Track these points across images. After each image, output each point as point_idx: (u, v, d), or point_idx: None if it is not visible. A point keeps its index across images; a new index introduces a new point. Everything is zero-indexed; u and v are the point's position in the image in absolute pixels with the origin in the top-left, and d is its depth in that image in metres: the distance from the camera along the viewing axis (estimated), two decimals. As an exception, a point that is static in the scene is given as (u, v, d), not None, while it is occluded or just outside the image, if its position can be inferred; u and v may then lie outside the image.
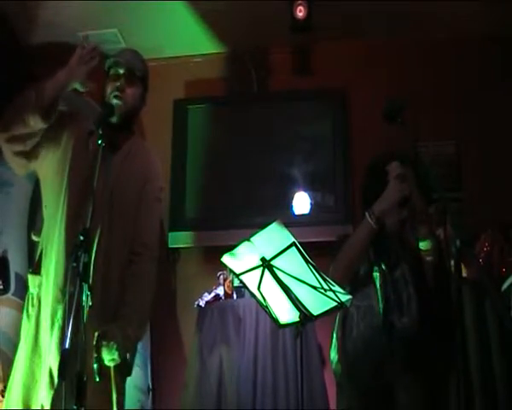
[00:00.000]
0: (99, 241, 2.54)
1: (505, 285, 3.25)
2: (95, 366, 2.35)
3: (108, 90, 2.69)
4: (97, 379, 2.33)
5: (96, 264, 2.51)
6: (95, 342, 2.41)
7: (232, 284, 3.89)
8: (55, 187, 2.60)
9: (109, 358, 2.46)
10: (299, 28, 4.20)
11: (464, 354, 3.00)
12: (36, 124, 2.53)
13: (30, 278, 2.62)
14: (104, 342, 2.45)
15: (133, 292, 2.62)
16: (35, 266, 2.62)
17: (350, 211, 4.22)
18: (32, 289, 2.57)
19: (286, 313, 2.44)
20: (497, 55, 4.41)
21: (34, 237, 2.63)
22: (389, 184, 2.49)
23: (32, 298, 2.56)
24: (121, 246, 2.64)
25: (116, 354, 2.47)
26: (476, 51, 4.44)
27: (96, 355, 2.38)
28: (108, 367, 2.49)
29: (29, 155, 2.63)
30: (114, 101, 2.65)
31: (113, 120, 2.63)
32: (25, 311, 2.59)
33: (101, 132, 2.37)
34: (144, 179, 2.76)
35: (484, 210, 3.97)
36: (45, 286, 2.53)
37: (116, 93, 2.66)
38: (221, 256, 2.38)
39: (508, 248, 3.42)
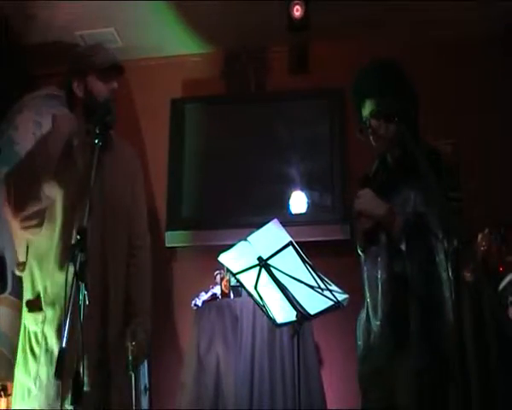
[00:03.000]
0: (102, 242, 2.54)
1: (503, 284, 3.26)
2: (130, 358, 2.50)
3: (105, 91, 2.60)
4: (131, 372, 2.50)
5: (105, 262, 2.54)
6: (129, 339, 2.53)
7: (229, 283, 3.88)
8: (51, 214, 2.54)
9: (140, 355, 2.57)
10: (296, 28, 4.19)
11: (462, 354, 3.01)
12: (51, 192, 2.48)
13: (29, 316, 2.52)
14: (134, 343, 2.53)
15: (140, 286, 2.69)
16: (32, 303, 2.52)
17: (347, 210, 4.22)
18: (35, 327, 2.49)
19: (283, 313, 2.44)
20: (496, 54, 4.41)
21: (18, 272, 2.53)
22: None
23: (36, 336, 2.48)
24: (122, 242, 2.65)
25: (146, 351, 2.61)
26: (476, 51, 4.44)
27: (132, 348, 2.51)
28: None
29: (40, 222, 2.56)
30: (112, 106, 2.61)
31: (110, 120, 2.59)
32: (27, 349, 2.49)
33: (98, 132, 2.35)
34: (133, 174, 2.78)
35: (482, 210, 3.98)
36: (51, 320, 2.47)
37: (112, 96, 2.63)
38: (218, 256, 2.39)
39: (505, 248, 3.43)
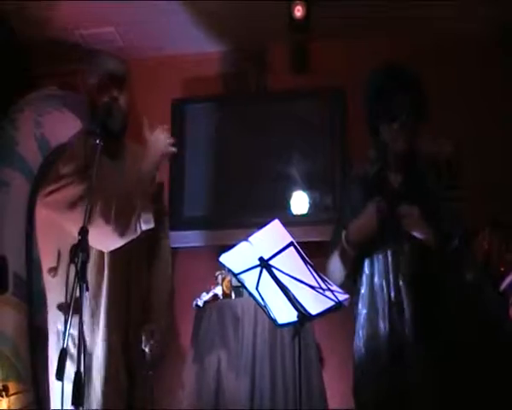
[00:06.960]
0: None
1: (504, 284, 3.25)
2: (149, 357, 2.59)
3: (104, 98, 2.65)
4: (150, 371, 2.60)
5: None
6: (145, 338, 2.60)
7: (230, 283, 3.88)
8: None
9: (158, 355, 2.64)
10: (297, 28, 4.20)
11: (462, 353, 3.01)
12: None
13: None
14: (152, 342, 2.60)
15: (161, 282, 2.76)
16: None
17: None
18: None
19: (284, 313, 2.44)
20: (496, 54, 4.41)
21: (50, 277, 2.53)
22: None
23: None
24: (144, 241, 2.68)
25: (163, 350, 2.70)
26: (476, 51, 4.44)
27: (150, 347, 2.60)
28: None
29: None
30: (112, 110, 2.63)
31: (115, 127, 2.62)
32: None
33: (99, 132, 2.37)
34: None
35: (482, 209, 3.97)
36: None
37: (112, 102, 2.64)
38: (219, 256, 2.38)
39: (506, 247, 3.42)
